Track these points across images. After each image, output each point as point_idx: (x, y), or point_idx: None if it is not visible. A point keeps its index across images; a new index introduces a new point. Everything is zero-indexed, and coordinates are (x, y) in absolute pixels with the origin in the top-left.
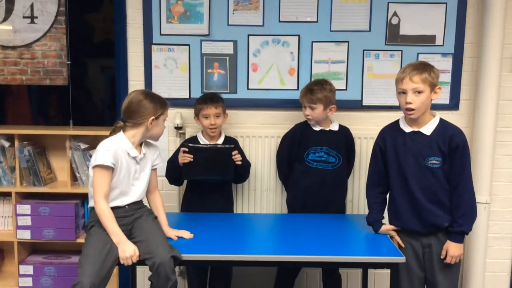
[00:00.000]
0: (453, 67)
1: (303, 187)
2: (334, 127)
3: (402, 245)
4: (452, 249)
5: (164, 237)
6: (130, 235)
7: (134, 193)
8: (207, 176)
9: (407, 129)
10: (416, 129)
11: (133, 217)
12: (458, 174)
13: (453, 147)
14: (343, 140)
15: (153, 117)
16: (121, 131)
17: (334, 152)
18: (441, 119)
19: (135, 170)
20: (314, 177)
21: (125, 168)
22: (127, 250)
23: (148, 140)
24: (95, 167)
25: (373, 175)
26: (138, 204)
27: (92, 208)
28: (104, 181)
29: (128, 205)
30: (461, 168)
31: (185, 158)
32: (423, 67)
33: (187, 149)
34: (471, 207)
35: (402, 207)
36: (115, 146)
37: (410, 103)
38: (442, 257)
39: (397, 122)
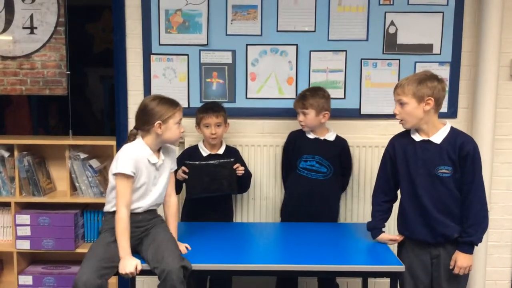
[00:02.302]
0: (450, 75)
1: (293, 195)
2: (330, 137)
3: (400, 238)
4: (461, 260)
5: (175, 247)
6: (141, 243)
7: (150, 198)
8: (213, 193)
9: (417, 137)
10: (426, 138)
11: (144, 227)
12: (469, 183)
13: (463, 155)
14: (338, 151)
15: (159, 122)
16: (141, 138)
17: (326, 162)
18: (452, 128)
19: (154, 176)
20: (304, 185)
21: (145, 175)
22: (128, 267)
23: (165, 145)
24: (117, 174)
25: (380, 183)
26: (152, 214)
27: (105, 213)
28: (127, 190)
29: (142, 214)
30: (472, 176)
31: (180, 176)
32: (415, 80)
33: (187, 170)
34: (482, 217)
35: (412, 217)
36: (136, 154)
37: (396, 113)
38: (450, 267)
39: (408, 131)
